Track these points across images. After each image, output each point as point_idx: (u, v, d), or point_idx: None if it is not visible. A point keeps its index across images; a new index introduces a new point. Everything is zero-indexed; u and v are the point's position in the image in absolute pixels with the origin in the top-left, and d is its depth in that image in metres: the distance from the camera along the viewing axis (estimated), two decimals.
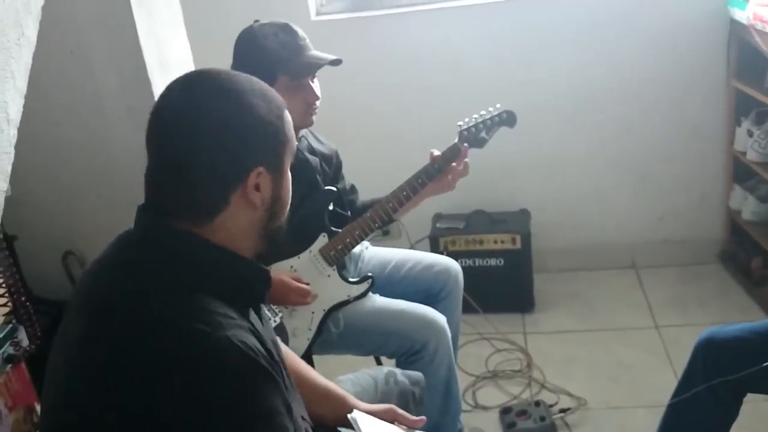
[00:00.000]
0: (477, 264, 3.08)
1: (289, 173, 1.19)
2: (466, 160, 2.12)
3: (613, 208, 3.34)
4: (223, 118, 1.08)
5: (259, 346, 1.04)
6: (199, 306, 1.04)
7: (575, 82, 3.14)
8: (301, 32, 1.96)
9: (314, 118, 1.99)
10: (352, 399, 1.51)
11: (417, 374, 1.75)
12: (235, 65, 1.95)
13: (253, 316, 1.18)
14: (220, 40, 2.03)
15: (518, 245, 3.05)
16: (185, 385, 0.97)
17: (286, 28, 1.93)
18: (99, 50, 2.07)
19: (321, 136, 2.20)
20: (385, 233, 3.30)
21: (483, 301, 2.88)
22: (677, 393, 1.92)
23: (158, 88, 2.13)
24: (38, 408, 1.82)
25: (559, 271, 3.37)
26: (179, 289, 1.06)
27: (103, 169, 2.15)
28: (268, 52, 1.89)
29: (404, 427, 1.48)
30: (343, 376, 1.68)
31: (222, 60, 1.95)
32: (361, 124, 3.20)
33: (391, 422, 1.48)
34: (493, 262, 3.09)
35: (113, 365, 1.00)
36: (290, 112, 1.93)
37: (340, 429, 1.46)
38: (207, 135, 1.08)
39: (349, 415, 1.42)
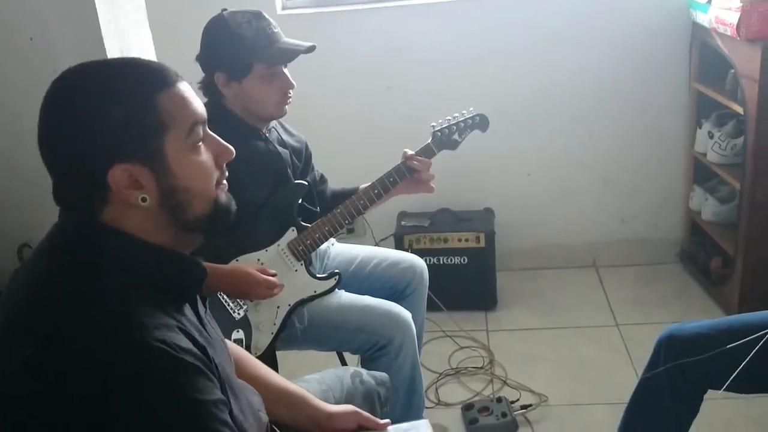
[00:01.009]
0: (441, 262, 3.09)
1: (192, 158, 1.09)
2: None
3: (576, 208, 3.38)
4: (64, 123, 1.03)
5: (188, 344, 1.01)
6: (117, 310, 0.99)
7: (539, 85, 3.17)
8: (272, 20, 1.94)
9: (287, 107, 1.97)
10: (314, 399, 1.48)
11: (382, 375, 1.73)
12: (205, 54, 1.92)
13: (189, 311, 1.13)
14: (184, 30, 1.99)
15: (482, 244, 3.06)
16: (108, 393, 0.93)
17: (259, 16, 1.91)
18: (61, 38, 2.02)
19: (290, 127, 2.18)
20: (350, 231, 3.30)
21: (446, 299, 2.90)
22: (638, 389, 1.93)
23: None
24: None
25: (522, 270, 3.39)
26: (96, 295, 1.01)
27: None
28: (244, 39, 1.86)
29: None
30: (308, 376, 1.66)
31: (185, 50, 1.93)
32: (328, 120, 3.18)
33: (355, 426, 1.45)
34: (457, 260, 3.09)
35: (29, 377, 0.96)
36: (267, 102, 1.94)
37: None
38: (58, 141, 1.04)
39: None
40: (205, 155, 1.11)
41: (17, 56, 2.02)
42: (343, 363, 2.28)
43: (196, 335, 1.06)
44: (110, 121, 1.02)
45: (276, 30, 1.93)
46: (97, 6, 2.01)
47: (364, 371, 1.69)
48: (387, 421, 1.46)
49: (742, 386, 1.72)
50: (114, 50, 2.07)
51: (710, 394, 1.85)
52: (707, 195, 3.07)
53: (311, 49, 1.93)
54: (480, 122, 2.16)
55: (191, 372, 0.99)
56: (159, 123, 1.04)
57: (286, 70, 1.95)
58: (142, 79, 1.06)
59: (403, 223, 3.17)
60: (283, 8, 3.20)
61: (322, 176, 2.26)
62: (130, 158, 1.03)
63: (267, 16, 1.93)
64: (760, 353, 1.63)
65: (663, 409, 1.88)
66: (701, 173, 3.17)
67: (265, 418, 1.34)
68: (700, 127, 3.01)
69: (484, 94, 2.80)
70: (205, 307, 1.27)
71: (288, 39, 1.94)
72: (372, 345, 1.99)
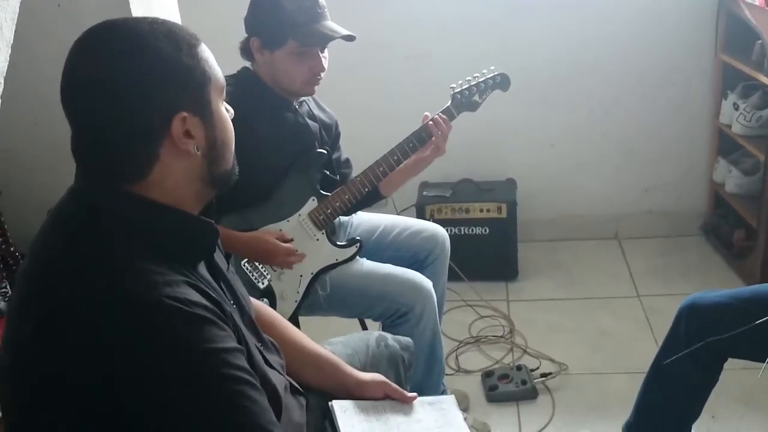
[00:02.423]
0: (463, 232, 3.10)
1: (224, 112, 1.13)
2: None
3: (599, 179, 3.37)
4: (128, 72, 1.03)
5: (199, 298, 1.03)
6: (130, 268, 1.02)
7: (562, 56, 3.15)
8: (322, 0, 1.92)
9: (316, 88, 1.97)
10: (345, 365, 1.51)
11: (407, 339, 1.75)
12: (248, 16, 1.93)
13: (203, 270, 1.15)
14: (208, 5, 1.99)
15: (504, 214, 3.07)
16: (122, 349, 0.96)
17: None
18: (87, 4, 2.04)
19: (324, 104, 2.19)
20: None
21: (467, 269, 2.91)
22: (659, 357, 1.95)
23: None
24: None
25: (543, 241, 3.39)
26: (110, 254, 1.03)
27: None
28: (284, 11, 1.85)
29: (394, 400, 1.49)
30: (333, 339, 1.68)
31: (209, 17, 1.93)
32: (350, 92, 3.16)
33: (383, 396, 1.48)
34: (478, 230, 3.10)
35: (46, 335, 1.00)
36: (294, 78, 1.94)
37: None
38: (115, 93, 1.03)
39: (330, 403, 1.42)
40: (226, 113, 1.15)
41: (45, 22, 2.03)
42: (365, 329, 2.32)
43: (210, 292, 1.08)
44: (173, 69, 1.04)
45: (321, 11, 1.90)
46: None
47: (389, 335, 1.71)
48: (414, 394, 1.49)
49: (763, 355, 1.73)
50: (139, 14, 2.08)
51: (729, 364, 1.86)
52: (731, 167, 3.05)
53: (350, 38, 1.92)
54: (501, 82, 2.14)
55: (202, 323, 1.01)
56: (204, 73, 1.08)
57: (324, 54, 1.94)
58: (186, 32, 1.09)
59: (424, 193, 3.18)
60: None
61: (347, 160, 2.25)
62: (187, 107, 1.05)
63: None
64: None
65: (683, 378, 1.89)
66: (725, 145, 3.14)
67: (283, 377, 1.37)
68: (726, 99, 2.98)
69: (509, 62, 2.76)
70: (228, 264, 1.30)
71: (329, 22, 1.92)
72: (393, 312, 2.02)
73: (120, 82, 1.02)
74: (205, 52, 1.10)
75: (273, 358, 1.36)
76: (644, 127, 3.25)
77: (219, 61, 1.13)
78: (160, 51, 1.04)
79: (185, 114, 1.05)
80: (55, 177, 2.22)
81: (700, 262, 3.18)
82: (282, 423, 1.23)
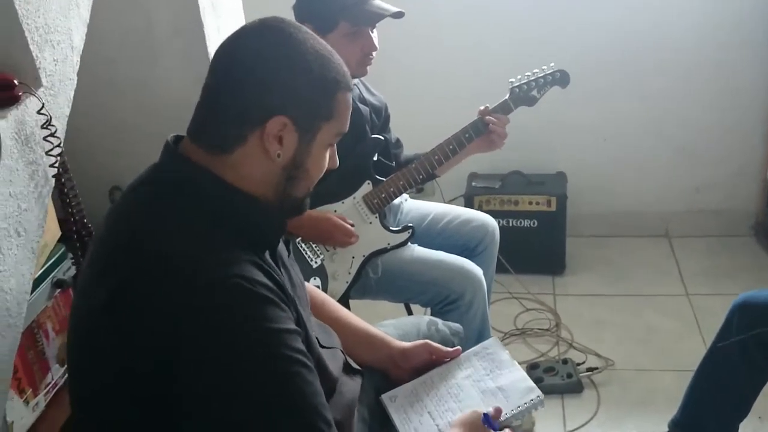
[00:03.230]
0: (511, 224, 3.10)
1: (324, 152, 1.19)
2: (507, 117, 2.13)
3: (650, 176, 3.34)
4: (269, 57, 1.11)
5: (264, 279, 1.07)
6: (203, 244, 1.07)
7: (617, 50, 3.12)
8: None
9: (368, 68, 2.01)
10: (392, 339, 1.56)
11: (457, 325, 1.78)
12: (298, 2, 1.97)
13: (267, 256, 1.19)
14: None
15: (553, 207, 3.06)
16: (187, 320, 1.01)
17: None
18: None
19: (372, 87, 2.22)
20: (420, 191, 3.33)
21: (514, 262, 2.91)
22: (709, 354, 1.95)
23: (210, 30, 2.17)
24: None
25: (592, 236, 3.37)
26: (186, 228, 1.09)
27: (153, 108, 2.19)
28: None
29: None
30: (385, 321, 1.72)
31: (269, 5, 1.96)
32: (407, 79, 3.19)
33: (429, 356, 1.52)
34: (527, 223, 3.10)
35: (117, 300, 1.05)
36: (348, 60, 1.93)
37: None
38: (246, 67, 1.11)
39: (382, 396, 1.46)
40: (327, 159, 1.21)
41: (110, 6, 2.09)
42: (410, 315, 2.34)
43: (274, 274, 1.13)
44: (305, 83, 1.12)
45: None
46: None
47: (439, 320, 1.74)
48: (458, 348, 1.54)
49: None
50: (206, 4, 2.13)
51: None
52: None
53: (399, 14, 1.96)
54: (560, 78, 2.15)
55: (267, 303, 1.05)
56: (331, 109, 1.15)
57: (373, 33, 1.98)
58: (343, 70, 1.17)
59: (473, 183, 3.18)
60: None
61: (398, 140, 2.30)
62: (295, 117, 1.11)
63: None
64: None
65: (733, 375, 1.89)
66: None
67: (341, 355, 1.41)
68: None
69: (559, 56, 2.76)
70: (288, 251, 1.34)
71: (377, 1, 1.96)
72: (443, 298, 2.04)
73: (251, 63, 1.11)
74: (345, 100, 1.17)
75: (328, 340, 1.40)
76: (697, 124, 3.21)
77: None
78: (305, 62, 1.12)
79: (287, 120, 1.10)
80: (116, 159, 2.31)
81: (751, 263, 3.14)
82: (334, 401, 1.27)
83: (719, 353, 1.90)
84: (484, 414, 1.33)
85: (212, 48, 2.17)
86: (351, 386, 1.38)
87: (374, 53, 1.99)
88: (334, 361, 1.35)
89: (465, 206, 3.07)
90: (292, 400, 1.04)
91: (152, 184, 1.16)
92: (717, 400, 1.94)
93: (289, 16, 2.02)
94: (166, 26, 2.13)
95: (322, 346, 1.32)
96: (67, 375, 1.56)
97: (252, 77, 1.11)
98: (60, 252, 1.77)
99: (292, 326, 1.09)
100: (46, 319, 1.73)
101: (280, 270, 1.22)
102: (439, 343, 1.67)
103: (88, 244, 1.92)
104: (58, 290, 1.76)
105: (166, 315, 1.01)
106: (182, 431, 1.03)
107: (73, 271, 1.83)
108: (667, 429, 2.08)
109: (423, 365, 1.53)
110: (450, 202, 3.10)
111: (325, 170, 1.23)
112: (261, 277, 1.07)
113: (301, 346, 1.08)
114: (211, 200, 1.12)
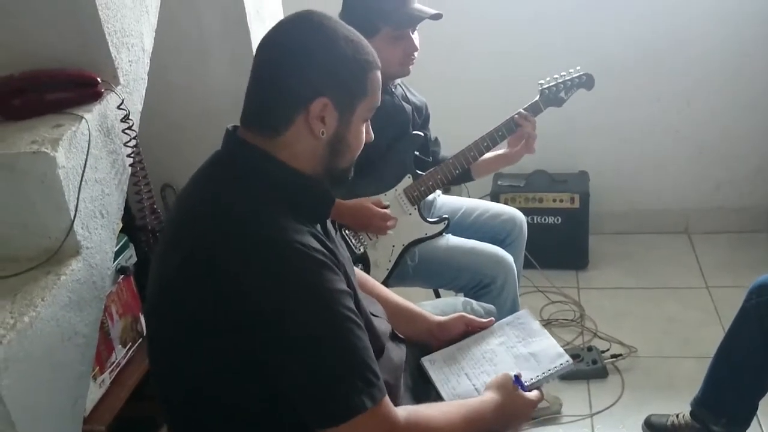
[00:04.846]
0: (535, 221, 3.21)
1: (361, 126, 1.31)
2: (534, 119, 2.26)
3: (671, 174, 3.45)
4: (300, 46, 1.24)
5: (319, 246, 1.21)
6: (266, 215, 1.20)
7: (638, 51, 3.23)
8: None
9: (411, 68, 2.14)
10: (429, 314, 1.69)
11: (490, 306, 1.91)
12: (343, 12, 2.09)
13: (319, 229, 1.33)
14: None
15: (576, 205, 3.18)
16: (254, 284, 1.14)
17: None
18: None
19: (413, 88, 2.36)
20: (447, 191, 3.46)
21: (539, 257, 3.02)
22: (729, 333, 2.05)
23: (255, 35, 2.31)
24: (141, 318, 2.02)
25: (614, 233, 3.49)
26: (251, 201, 1.22)
27: (203, 109, 2.34)
28: (375, 1, 2.03)
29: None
30: (423, 302, 1.85)
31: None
32: (437, 85, 3.29)
33: (465, 327, 1.65)
34: (551, 220, 3.22)
35: (191, 264, 1.18)
36: (390, 62, 2.12)
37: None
38: (286, 57, 1.24)
39: (422, 359, 1.59)
40: (364, 132, 1.34)
41: (163, 12, 2.24)
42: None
43: (327, 242, 1.27)
44: (342, 65, 1.25)
45: None
46: None
47: (473, 301, 1.87)
48: (491, 318, 1.68)
49: None
50: (251, 10, 2.27)
51: None
52: None
53: (437, 16, 2.08)
54: (586, 81, 2.28)
55: (322, 266, 1.19)
56: (365, 87, 1.28)
57: (414, 33, 2.11)
58: (371, 51, 1.31)
59: (499, 182, 3.30)
60: None
61: (436, 139, 2.43)
62: (334, 98, 1.24)
63: None
64: None
65: (752, 353, 1.99)
66: None
67: (387, 324, 1.54)
68: None
69: (580, 59, 2.86)
70: (336, 229, 1.48)
71: (416, 4, 2.09)
72: (477, 283, 2.17)
73: (293, 52, 1.24)
74: (377, 78, 1.30)
75: (376, 308, 1.54)
76: (716, 123, 3.32)
77: None
78: (340, 47, 1.25)
79: (327, 101, 1.23)
80: (169, 155, 2.46)
81: None
82: (383, 363, 1.40)
83: (738, 332, 2.01)
84: (515, 376, 1.45)
85: None
86: (397, 352, 1.51)
87: (416, 53, 2.11)
88: (381, 327, 1.49)
89: None
90: (347, 354, 1.18)
91: (217, 166, 1.31)
92: (736, 378, 2.04)
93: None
94: (216, 32, 2.28)
95: (371, 314, 1.45)
96: (130, 353, 1.70)
97: (292, 65, 1.24)
98: (123, 241, 1.91)
99: (345, 287, 1.22)
100: (111, 303, 1.86)
101: (331, 243, 1.36)
102: None
103: (155, 232, 2.07)
104: (122, 276, 1.91)
105: (233, 274, 1.15)
106: (244, 377, 1.17)
107: (134, 258, 1.98)
108: (689, 409, 2.19)
109: (459, 336, 1.66)
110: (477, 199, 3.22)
111: (363, 143, 1.35)
112: (316, 245, 1.21)
113: (353, 306, 1.22)
114: (270, 177, 1.25)
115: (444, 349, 1.62)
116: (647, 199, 3.50)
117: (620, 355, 2.65)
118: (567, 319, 2.93)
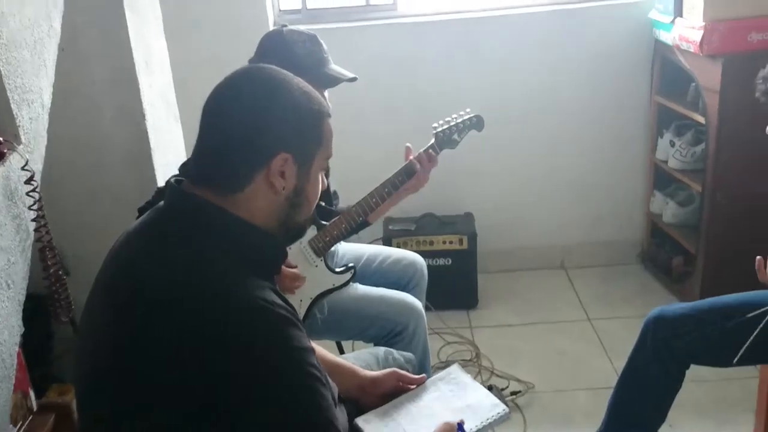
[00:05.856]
0: (428, 264, 3.21)
1: (318, 177, 1.29)
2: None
3: (547, 212, 3.63)
4: (259, 102, 1.21)
5: (279, 300, 1.18)
6: (223, 271, 1.16)
7: (515, 99, 3.41)
8: (325, 46, 2.08)
9: None
10: (360, 369, 1.67)
11: (409, 354, 1.92)
12: (255, 60, 2.04)
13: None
14: (192, 45, 2.05)
15: (465, 245, 3.27)
16: (218, 342, 1.08)
17: (314, 39, 2.05)
18: (92, 49, 2.13)
19: None
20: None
21: (432, 299, 3.00)
22: (628, 366, 2.15)
23: (144, 87, 2.23)
24: (32, 393, 1.87)
25: (499, 272, 3.60)
26: (205, 257, 1.17)
27: (90, 164, 2.20)
28: (296, 57, 1.98)
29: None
30: (345, 354, 1.83)
31: (193, 63, 2.04)
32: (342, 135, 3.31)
33: (397, 382, 1.64)
34: (442, 261, 3.28)
35: (147, 329, 1.11)
36: None
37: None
38: (241, 116, 1.20)
39: (356, 420, 1.55)
40: (320, 182, 1.31)
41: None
42: (342, 353, 2.44)
43: (284, 297, 1.22)
44: (299, 118, 1.22)
45: (326, 56, 2.06)
46: (127, 19, 2.13)
47: (394, 351, 1.87)
48: (423, 375, 1.68)
49: (725, 360, 1.95)
50: (140, 60, 2.19)
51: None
52: (667, 199, 3.34)
53: (353, 79, 2.08)
54: (477, 122, 2.33)
55: (289, 324, 1.15)
56: (320, 137, 1.26)
57: (326, 93, 2.08)
58: (321, 99, 1.29)
59: (390, 227, 3.34)
60: (275, 24, 3.35)
61: (335, 192, 2.41)
62: (294, 152, 1.21)
63: (321, 41, 2.07)
64: (745, 329, 1.87)
65: (651, 384, 2.09)
66: (660, 179, 3.45)
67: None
68: (662, 137, 3.28)
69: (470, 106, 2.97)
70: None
71: (335, 66, 2.08)
72: (388, 332, 2.16)
73: (248, 110, 1.20)
74: (329, 127, 1.28)
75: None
76: (588, 165, 3.54)
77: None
78: (294, 99, 1.23)
79: (288, 156, 1.20)
80: (52, 214, 2.30)
81: (641, 288, 3.45)
82: None
83: (637, 364, 2.11)
84: (458, 424, 1.45)
85: (146, 102, 2.23)
86: (342, 415, 1.47)
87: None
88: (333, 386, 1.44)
89: None
90: (312, 413, 1.14)
91: (167, 223, 1.23)
92: (638, 409, 2.13)
93: (215, 69, 2.11)
94: (103, 84, 2.17)
95: None
96: None
97: (252, 123, 1.20)
98: None
99: (309, 345, 1.19)
100: None
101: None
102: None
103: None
104: None
105: (199, 336, 1.08)
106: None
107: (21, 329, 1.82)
108: None
109: (391, 392, 1.64)
110: (371, 243, 3.23)
111: (319, 194, 1.33)
112: (279, 300, 1.17)
113: (318, 363, 1.18)
114: (228, 233, 1.20)
115: (378, 408, 1.59)
116: (527, 237, 3.65)
117: (519, 391, 2.72)
118: (464, 360, 2.98)
